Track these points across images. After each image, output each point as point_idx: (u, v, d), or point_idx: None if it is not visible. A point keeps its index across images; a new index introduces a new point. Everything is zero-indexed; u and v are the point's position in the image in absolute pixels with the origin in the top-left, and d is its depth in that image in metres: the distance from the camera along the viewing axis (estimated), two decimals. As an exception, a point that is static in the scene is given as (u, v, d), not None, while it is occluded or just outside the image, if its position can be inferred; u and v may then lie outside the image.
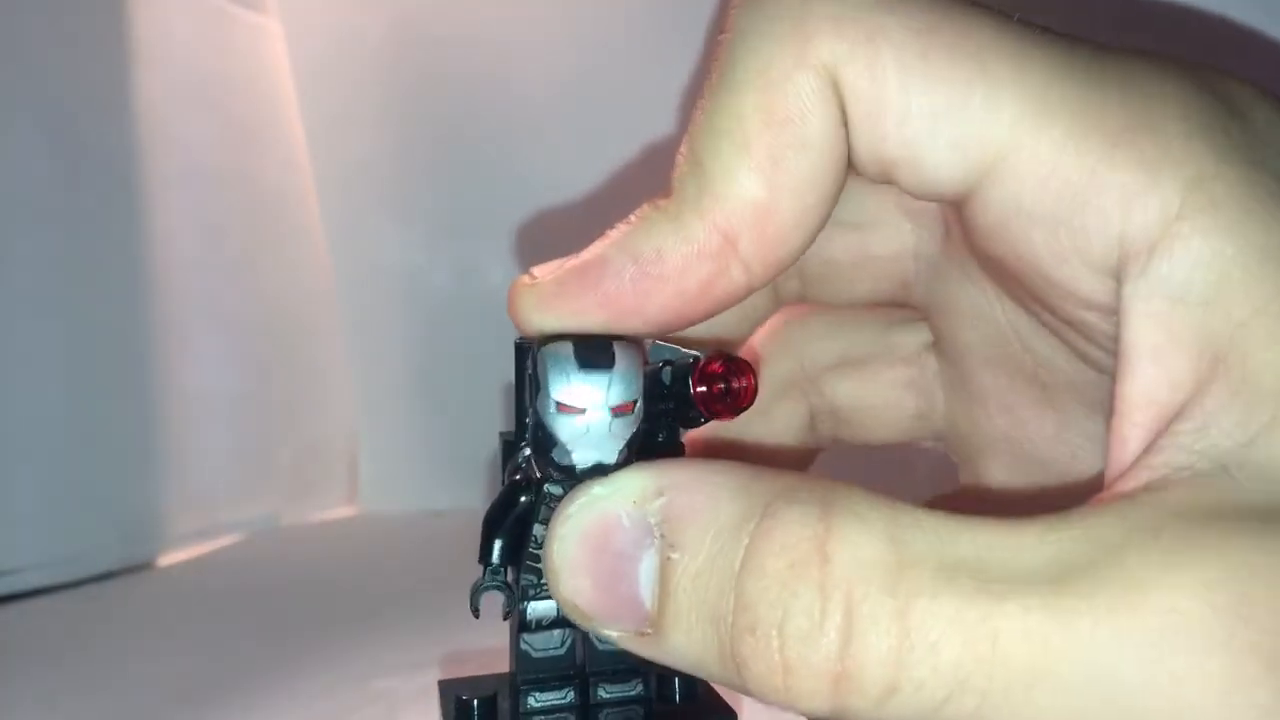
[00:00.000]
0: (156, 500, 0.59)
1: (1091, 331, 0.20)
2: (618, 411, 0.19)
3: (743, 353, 0.27)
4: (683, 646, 0.18)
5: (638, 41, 0.60)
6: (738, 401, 0.20)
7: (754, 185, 0.19)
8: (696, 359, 0.21)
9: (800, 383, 0.27)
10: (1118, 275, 0.18)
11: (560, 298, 0.20)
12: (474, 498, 0.64)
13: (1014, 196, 0.18)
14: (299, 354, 0.68)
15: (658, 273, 0.19)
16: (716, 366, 0.20)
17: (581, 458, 0.19)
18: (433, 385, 0.68)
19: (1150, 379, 0.17)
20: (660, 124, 0.58)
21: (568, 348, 0.19)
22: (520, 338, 0.21)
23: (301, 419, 0.68)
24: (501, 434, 0.23)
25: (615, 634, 0.19)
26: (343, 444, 0.70)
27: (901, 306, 0.26)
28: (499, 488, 0.22)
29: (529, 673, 0.22)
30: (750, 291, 0.20)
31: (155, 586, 0.57)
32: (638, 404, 0.20)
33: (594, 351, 0.19)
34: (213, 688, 0.42)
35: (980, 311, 0.24)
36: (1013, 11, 0.19)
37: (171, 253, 0.59)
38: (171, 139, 0.59)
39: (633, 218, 0.20)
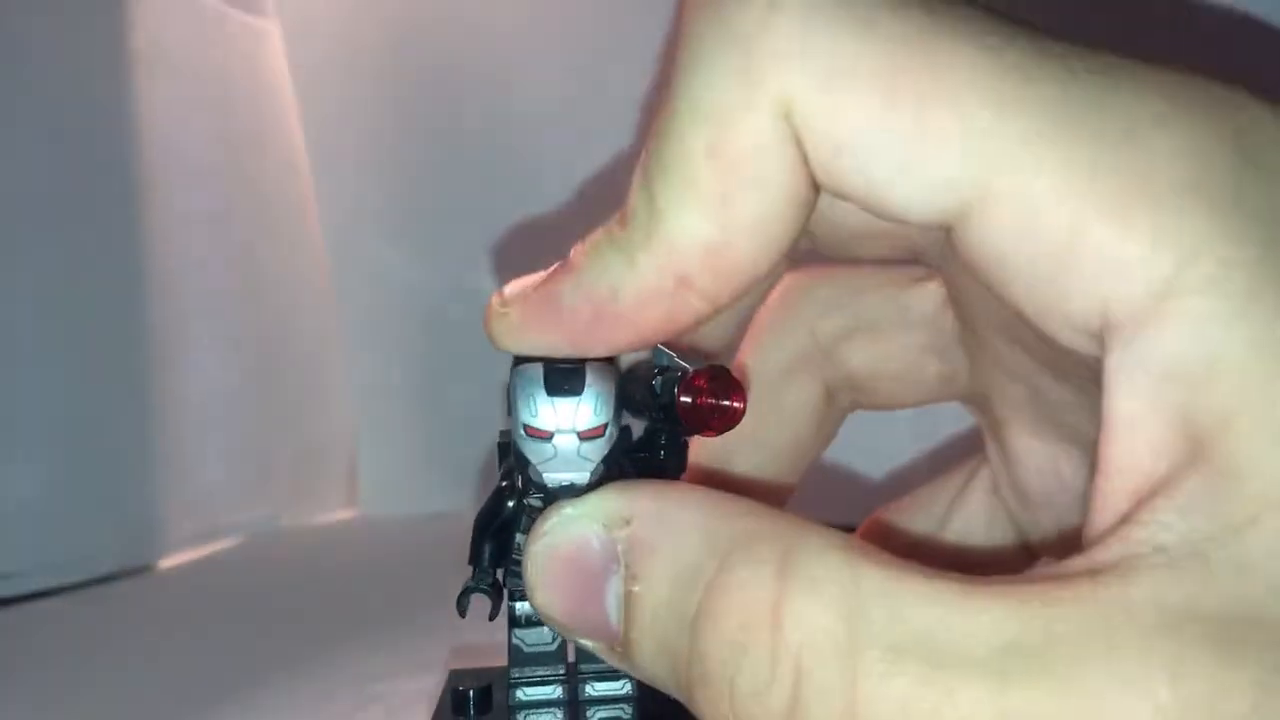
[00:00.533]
0: (156, 503, 0.59)
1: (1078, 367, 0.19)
2: (586, 436, 0.19)
3: (745, 342, 0.26)
4: (647, 669, 0.18)
5: (639, 44, 0.60)
6: (726, 419, 0.20)
7: (704, 226, 0.18)
8: (685, 373, 0.20)
9: (813, 356, 0.26)
10: (1100, 339, 0.17)
11: (525, 330, 0.20)
12: (473, 501, 0.64)
13: (993, 245, 0.17)
14: (298, 356, 0.68)
15: (613, 311, 0.19)
16: (701, 381, 0.20)
17: (552, 479, 0.20)
18: (432, 388, 0.68)
19: (1133, 446, 0.16)
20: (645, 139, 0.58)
21: (538, 372, 0.20)
22: None
23: (301, 422, 0.68)
24: (500, 434, 0.23)
25: (588, 644, 0.19)
26: (342, 446, 0.70)
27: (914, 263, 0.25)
28: (488, 494, 0.22)
29: (520, 667, 0.23)
30: (717, 313, 0.19)
31: (155, 589, 0.57)
32: (608, 427, 0.20)
33: (563, 377, 0.19)
34: (212, 690, 0.42)
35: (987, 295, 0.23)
36: (1011, 14, 0.17)
37: (171, 255, 0.59)
38: (171, 141, 0.59)
39: (588, 244, 0.19)
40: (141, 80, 0.58)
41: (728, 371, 0.20)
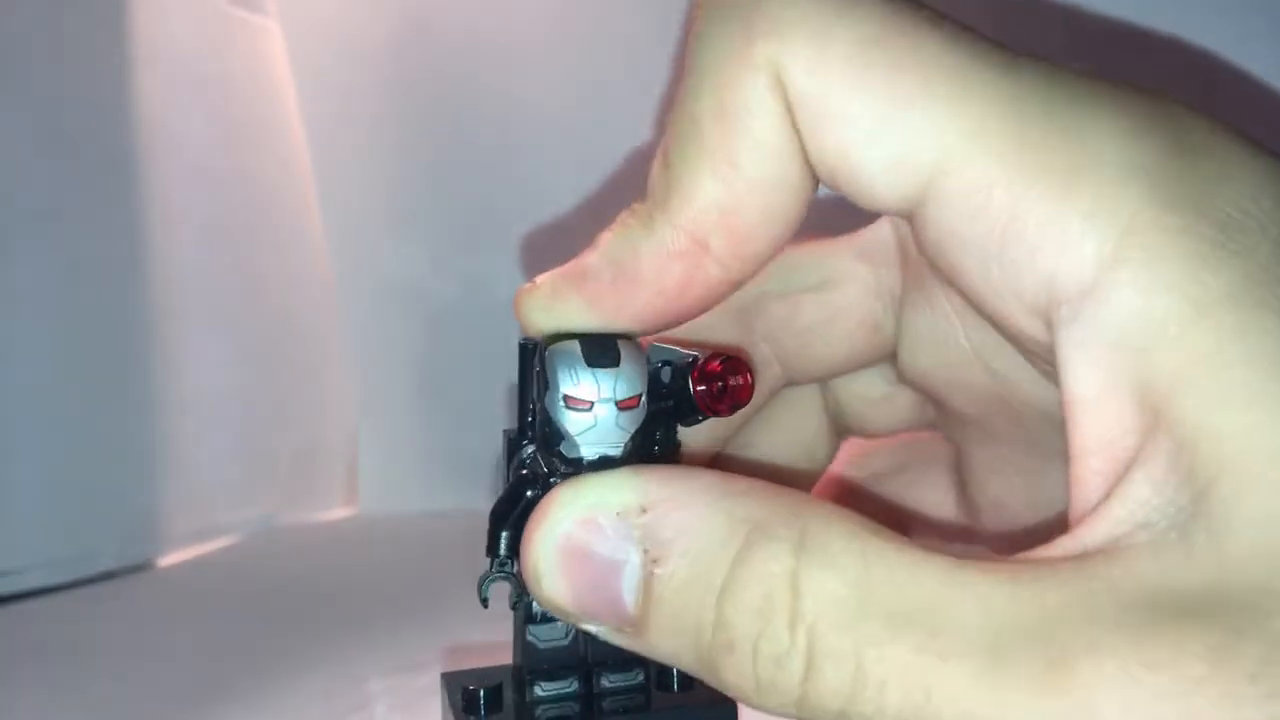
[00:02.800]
0: (156, 501, 0.59)
1: (1035, 359, 0.20)
2: (624, 406, 0.20)
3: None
4: (664, 645, 0.19)
5: (640, 43, 0.60)
6: (735, 398, 0.21)
7: (716, 187, 0.19)
8: (695, 359, 0.21)
9: (734, 319, 0.27)
10: (1047, 316, 0.18)
11: (555, 301, 0.21)
12: (473, 499, 0.64)
13: (949, 221, 0.18)
14: (298, 354, 0.68)
15: (634, 275, 0.20)
16: (715, 365, 0.21)
17: (589, 451, 0.20)
18: (432, 386, 0.68)
19: (1099, 425, 0.17)
20: (663, 127, 0.58)
21: (574, 345, 0.20)
22: (524, 338, 0.22)
23: (301, 419, 0.68)
24: (505, 432, 0.23)
25: (594, 629, 0.20)
26: (342, 444, 0.70)
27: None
28: (502, 484, 0.22)
29: (535, 663, 0.23)
30: (732, 286, 0.21)
31: (154, 587, 0.57)
32: (642, 398, 0.21)
33: (600, 349, 0.20)
34: (212, 688, 0.42)
35: (941, 335, 0.24)
36: (967, 24, 0.19)
37: (171, 253, 0.59)
38: (171, 140, 0.59)
39: (616, 223, 0.21)
40: (142, 78, 0.58)
41: (736, 355, 0.22)
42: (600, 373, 0.20)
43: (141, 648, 0.48)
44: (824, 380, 0.27)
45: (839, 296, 0.25)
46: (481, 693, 0.23)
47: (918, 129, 0.18)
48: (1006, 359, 0.23)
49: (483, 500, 0.25)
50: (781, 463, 0.27)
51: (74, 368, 0.55)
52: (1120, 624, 0.16)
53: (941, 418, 0.27)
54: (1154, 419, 0.16)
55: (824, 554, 0.17)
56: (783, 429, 0.27)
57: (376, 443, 0.70)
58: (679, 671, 0.24)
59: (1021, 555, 0.17)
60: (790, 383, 0.27)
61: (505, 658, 0.24)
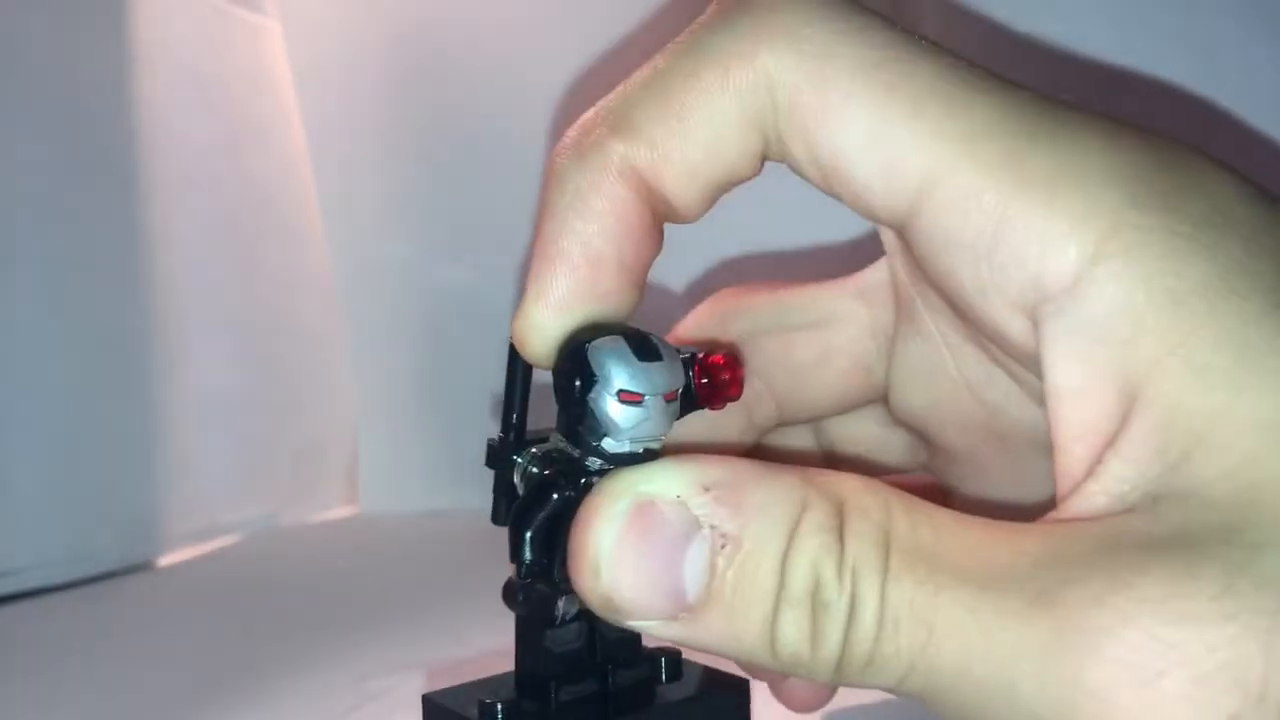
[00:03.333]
0: (156, 500, 0.59)
1: (1022, 374, 0.22)
2: (669, 399, 0.21)
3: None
4: (721, 627, 0.19)
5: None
6: (728, 392, 0.22)
7: (656, 129, 0.21)
8: (694, 354, 0.22)
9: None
10: (1033, 314, 0.19)
11: (540, 308, 0.21)
12: (474, 499, 0.64)
13: (941, 227, 0.19)
14: (299, 354, 0.68)
15: (581, 210, 0.21)
16: (718, 358, 0.22)
17: (635, 445, 0.21)
18: (432, 386, 0.68)
19: (1080, 414, 0.19)
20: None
21: (620, 342, 0.21)
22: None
23: (301, 419, 0.68)
24: (489, 441, 0.23)
25: (644, 624, 0.20)
26: (342, 444, 0.70)
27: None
28: (489, 492, 0.23)
29: (552, 669, 0.23)
30: (669, 221, 0.22)
31: (155, 587, 0.57)
32: (679, 391, 0.21)
33: (645, 345, 0.21)
34: (212, 687, 0.42)
35: (931, 366, 0.25)
36: (961, 55, 0.20)
37: (172, 253, 0.59)
38: (171, 139, 0.59)
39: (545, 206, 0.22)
40: (142, 78, 0.58)
41: (733, 350, 0.22)
42: (652, 367, 0.21)
43: (142, 647, 0.48)
44: (817, 420, 0.28)
45: (833, 335, 0.26)
46: (500, 707, 0.23)
47: (911, 139, 0.19)
48: (996, 388, 0.24)
49: (483, 501, 0.24)
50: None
51: (74, 367, 0.55)
52: (1092, 564, 0.17)
53: (932, 457, 0.27)
54: (1132, 402, 0.18)
55: (860, 510, 0.19)
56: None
57: (377, 442, 0.70)
58: (665, 663, 0.24)
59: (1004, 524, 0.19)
60: (783, 423, 0.27)
61: (499, 664, 0.24)
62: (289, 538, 0.65)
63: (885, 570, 0.18)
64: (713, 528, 0.19)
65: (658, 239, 0.22)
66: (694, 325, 0.27)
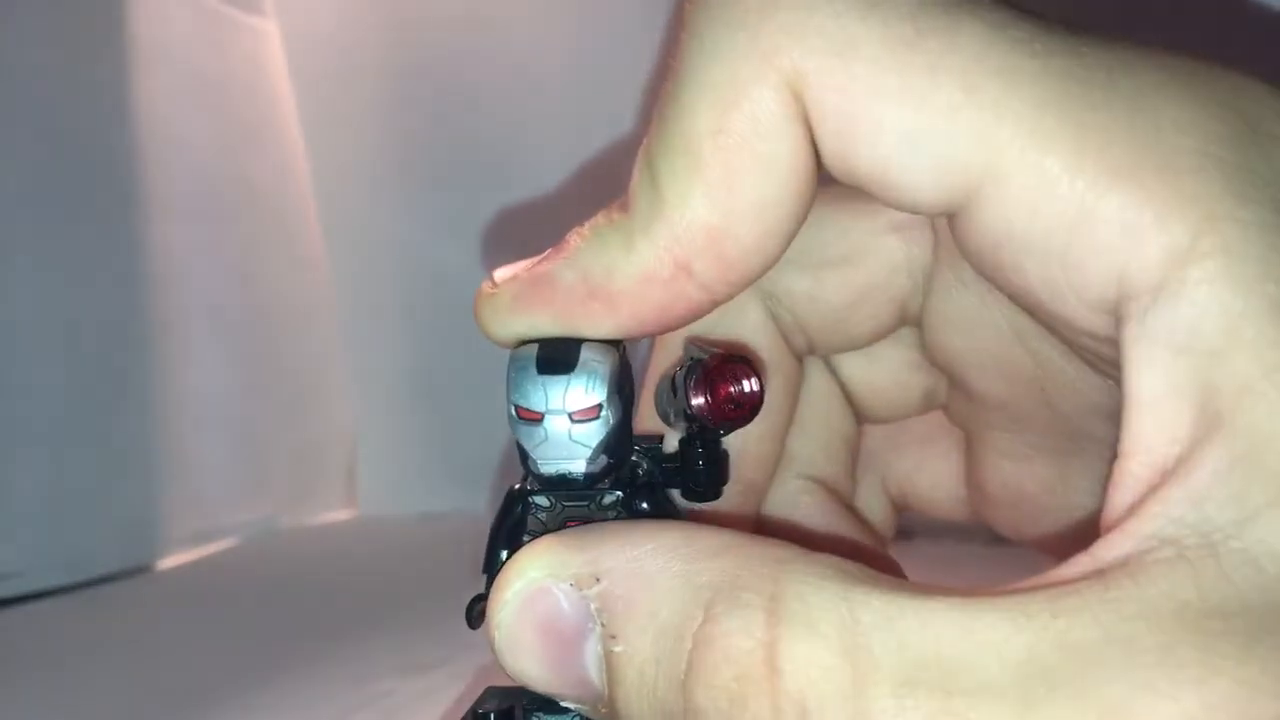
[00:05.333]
0: (155, 503, 0.59)
1: (1093, 353, 0.19)
2: (578, 418, 0.18)
3: None
4: (639, 715, 0.17)
5: (639, 40, 0.60)
6: (726, 416, 0.19)
7: (707, 210, 0.18)
8: (700, 360, 0.20)
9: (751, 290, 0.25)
10: (1116, 313, 0.16)
11: (516, 311, 0.19)
12: (473, 501, 0.64)
13: (1004, 222, 0.17)
14: (297, 356, 0.68)
15: (608, 295, 0.18)
16: (713, 370, 0.19)
17: (547, 467, 0.19)
18: (431, 387, 0.68)
19: (1152, 426, 0.16)
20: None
21: (532, 349, 0.19)
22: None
23: (300, 421, 0.68)
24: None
25: (572, 706, 0.18)
26: (341, 446, 0.70)
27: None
28: (488, 494, 0.21)
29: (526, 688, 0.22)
30: (715, 306, 0.19)
31: (154, 589, 0.57)
32: (602, 409, 0.18)
33: (557, 354, 0.18)
34: (212, 690, 0.42)
35: (976, 316, 0.22)
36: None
37: (170, 255, 0.59)
38: (170, 141, 0.59)
39: (587, 227, 0.19)
40: (140, 79, 0.58)
41: (742, 358, 0.19)
42: (550, 380, 0.18)
43: (141, 650, 0.48)
44: (845, 351, 0.25)
45: (866, 273, 0.23)
46: (493, 715, 0.22)
47: (965, 133, 0.16)
48: (1049, 341, 0.21)
49: (482, 502, 0.24)
50: (822, 464, 0.25)
51: (73, 369, 0.55)
52: (1166, 653, 0.14)
53: (956, 400, 0.25)
54: (1213, 425, 0.15)
55: (804, 617, 0.15)
56: (815, 427, 0.26)
57: (376, 444, 0.70)
58: None
59: (1035, 579, 0.15)
60: (811, 353, 0.25)
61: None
62: (288, 540, 0.65)
63: (866, 700, 0.14)
64: (603, 625, 0.17)
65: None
66: None
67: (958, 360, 0.23)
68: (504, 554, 0.20)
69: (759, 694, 0.15)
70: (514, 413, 0.18)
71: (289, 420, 0.67)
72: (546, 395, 0.18)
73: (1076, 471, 0.24)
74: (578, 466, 0.19)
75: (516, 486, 0.20)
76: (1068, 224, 0.16)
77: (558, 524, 0.20)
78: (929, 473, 0.27)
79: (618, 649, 0.17)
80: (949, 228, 0.18)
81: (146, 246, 0.58)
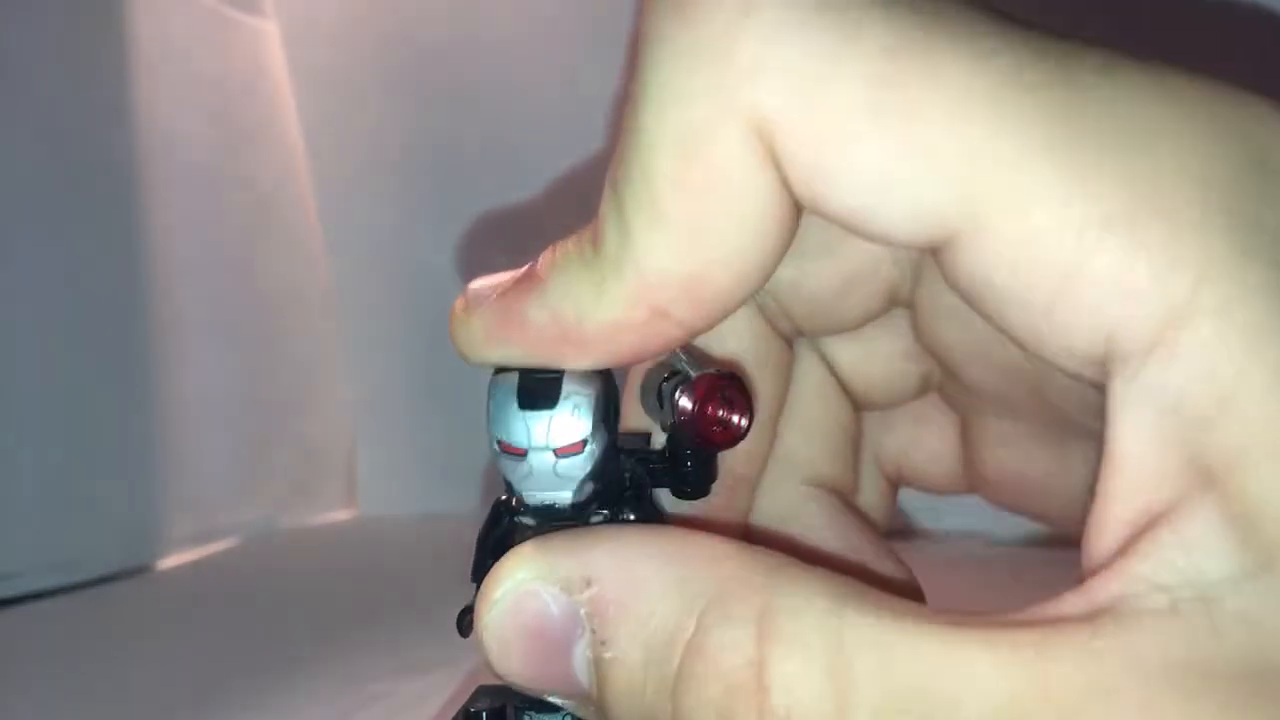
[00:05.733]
0: (155, 504, 0.59)
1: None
2: (563, 452, 0.18)
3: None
4: (627, 714, 0.17)
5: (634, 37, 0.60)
6: (713, 440, 0.19)
7: (677, 260, 0.16)
8: (687, 376, 0.19)
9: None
10: (1104, 366, 0.15)
11: (488, 344, 0.19)
12: (473, 501, 0.64)
13: (984, 271, 0.16)
14: (297, 357, 0.68)
15: (579, 337, 0.18)
16: (700, 391, 0.19)
17: (531, 497, 0.18)
18: (431, 388, 0.68)
19: (1135, 475, 0.15)
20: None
21: (513, 383, 0.18)
22: None
23: (299, 422, 0.68)
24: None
25: (560, 703, 0.18)
26: (341, 447, 0.70)
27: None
28: (487, 494, 0.21)
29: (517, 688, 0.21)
30: (695, 335, 0.18)
31: (153, 590, 0.57)
32: (587, 444, 0.18)
33: (538, 388, 0.18)
34: (211, 691, 0.42)
35: (965, 309, 0.21)
36: (1008, 14, 0.16)
37: (170, 256, 0.59)
38: (170, 142, 0.59)
39: (556, 256, 0.18)
40: (140, 80, 0.58)
41: (734, 380, 0.19)
42: (533, 417, 0.18)
43: (141, 651, 0.48)
44: (838, 332, 0.24)
45: (851, 263, 0.22)
46: (485, 715, 0.22)
47: (944, 180, 0.15)
48: None
49: (481, 503, 0.24)
50: (825, 464, 0.25)
51: (73, 369, 0.55)
52: (1147, 708, 0.14)
53: (951, 386, 0.24)
54: (1205, 484, 0.14)
55: (793, 635, 0.15)
56: (813, 421, 0.25)
57: (376, 444, 0.70)
58: None
59: (1025, 614, 0.15)
60: (799, 334, 0.24)
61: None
62: (288, 540, 0.65)
63: None
64: (593, 631, 0.17)
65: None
66: None
67: (950, 351, 0.23)
68: (490, 562, 0.19)
69: (746, 709, 0.15)
70: (496, 446, 0.18)
71: (289, 420, 0.67)
72: (530, 431, 0.18)
73: (1075, 456, 0.23)
74: (564, 498, 0.18)
75: (502, 498, 0.20)
76: (1054, 281, 0.15)
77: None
78: (925, 450, 0.26)
79: (608, 654, 0.16)
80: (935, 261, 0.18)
81: (146, 246, 0.58)
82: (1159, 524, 0.15)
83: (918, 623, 0.15)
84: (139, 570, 0.58)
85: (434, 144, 0.65)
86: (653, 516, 0.20)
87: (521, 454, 0.18)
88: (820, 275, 0.22)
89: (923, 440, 0.26)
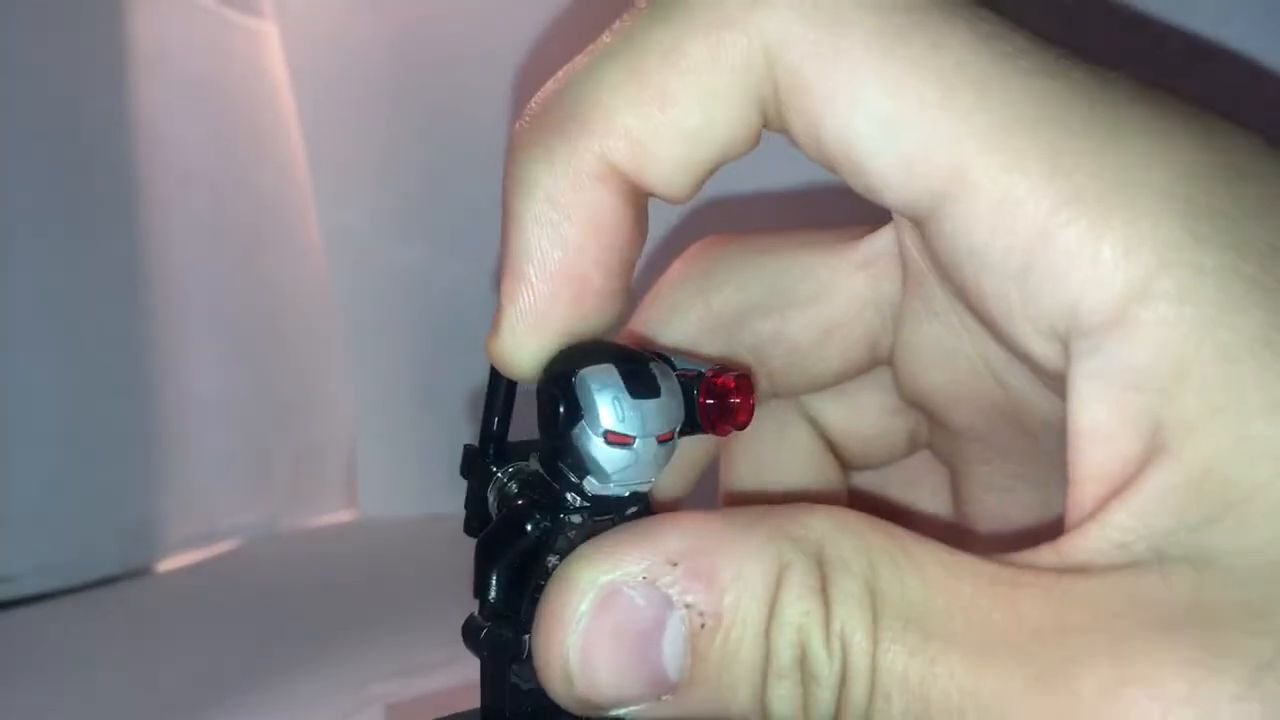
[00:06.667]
0: (155, 505, 0.59)
1: (1041, 375, 0.19)
2: (662, 439, 0.19)
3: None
4: (708, 703, 0.18)
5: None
6: (735, 419, 0.20)
7: (634, 119, 0.18)
8: (701, 373, 0.20)
9: (714, 333, 0.25)
10: (1065, 343, 0.17)
11: (523, 335, 0.20)
12: (473, 502, 0.64)
13: (965, 234, 0.17)
14: (297, 358, 0.68)
15: (556, 220, 0.19)
16: (728, 381, 0.20)
17: (620, 488, 0.19)
18: (431, 389, 0.68)
19: (1099, 456, 0.17)
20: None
21: (613, 374, 0.18)
22: None
23: (300, 423, 0.68)
24: (466, 446, 0.22)
25: (629, 711, 0.18)
26: (341, 448, 0.70)
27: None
28: (462, 503, 0.21)
29: (519, 706, 0.21)
30: (636, 238, 0.19)
31: (154, 592, 0.57)
32: (676, 431, 0.19)
33: (641, 378, 0.18)
34: (211, 693, 0.42)
35: (947, 348, 0.22)
36: (1009, 16, 0.17)
37: (170, 258, 0.59)
38: (169, 144, 0.59)
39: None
40: (139, 82, 0.57)
41: (747, 372, 0.20)
42: (647, 405, 0.18)
43: (141, 653, 0.48)
44: (812, 392, 0.26)
45: (833, 311, 0.23)
46: None
47: (939, 132, 0.16)
48: (1019, 372, 0.21)
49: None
50: (788, 485, 0.26)
51: (73, 371, 0.55)
52: (1097, 641, 0.16)
53: (939, 436, 0.25)
54: (1157, 454, 0.16)
55: (841, 563, 0.17)
56: (779, 450, 0.26)
57: (376, 446, 0.70)
58: None
59: (1006, 557, 0.17)
60: (775, 395, 0.25)
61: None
62: (288, 542, 0.65)
63: (875, 638, 0.16)
64: (688, 606, 0.17)
65: (642, 233, 0.20)
66: (669, 297, 0.24)
67: (932, 395, 0.23)
68: (503, 576, 0.19)
69: (818, 626, 0.17)
70: (603, 437, 0.18)
71: (289, 422, 0.67)
72: (644, 419, 0.18)
73: (1057, 497, 0.23)
74: (649, 485, 0.19)
75: (521, 503, 0.20)
76: (1027, 246, 0.16)
77: (584, 539, 0.19)
78: (918, 517, 0.27)
79: (708, 622, 0.17)
80: (921, 238, 0.19)
81: (146, 248, 0.58)
82: (1123, 490, 0.16)
83: (927, 550, 0.17)
84: (139, 572, 0.58)
85: (435, 146, 0.65)
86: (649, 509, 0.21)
87: (629, 442, 0.18)
88: (802, 324, 0.23)
89: (917, 502, 0.27)
